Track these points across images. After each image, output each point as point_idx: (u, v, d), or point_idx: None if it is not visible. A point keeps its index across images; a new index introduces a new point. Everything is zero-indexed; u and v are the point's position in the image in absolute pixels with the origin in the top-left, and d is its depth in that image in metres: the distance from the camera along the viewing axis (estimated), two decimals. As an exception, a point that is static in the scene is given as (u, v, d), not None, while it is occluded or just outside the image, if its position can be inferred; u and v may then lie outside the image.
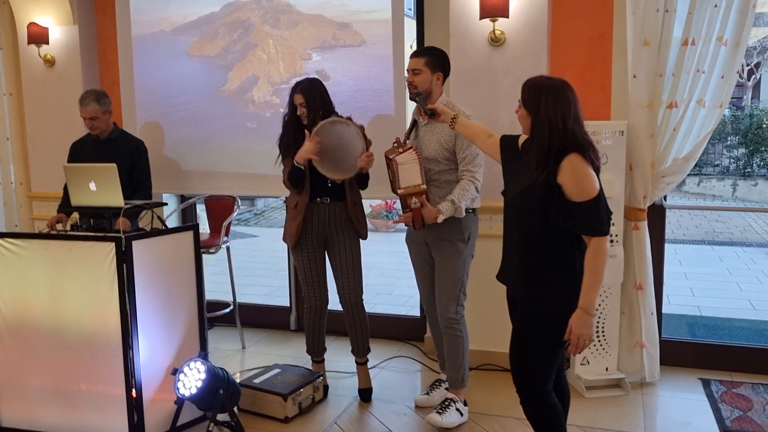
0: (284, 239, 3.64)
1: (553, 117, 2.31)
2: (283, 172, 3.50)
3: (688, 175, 3.79)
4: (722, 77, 3.49)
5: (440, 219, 3.12)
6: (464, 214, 3.20)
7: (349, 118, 3.39)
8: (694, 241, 9.64)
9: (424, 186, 3.12)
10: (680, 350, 3.99)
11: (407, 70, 3.32)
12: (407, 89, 3.33)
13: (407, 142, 3.30)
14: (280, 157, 3.55)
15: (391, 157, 3.18)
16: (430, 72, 3.25)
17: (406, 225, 3.24)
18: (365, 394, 3.69)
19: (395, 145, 3.24)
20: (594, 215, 2.31)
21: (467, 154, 3.20)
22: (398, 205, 10.68)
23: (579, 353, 2.39)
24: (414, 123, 3.42)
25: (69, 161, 4.07)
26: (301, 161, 3.33)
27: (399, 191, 3.06)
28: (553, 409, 2.51)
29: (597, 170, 2.36)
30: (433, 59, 3.26)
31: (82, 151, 4.08)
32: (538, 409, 2.52)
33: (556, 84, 2.36)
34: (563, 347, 2.45)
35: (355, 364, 3.74)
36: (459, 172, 3.23)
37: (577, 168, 2.30)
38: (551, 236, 2.38)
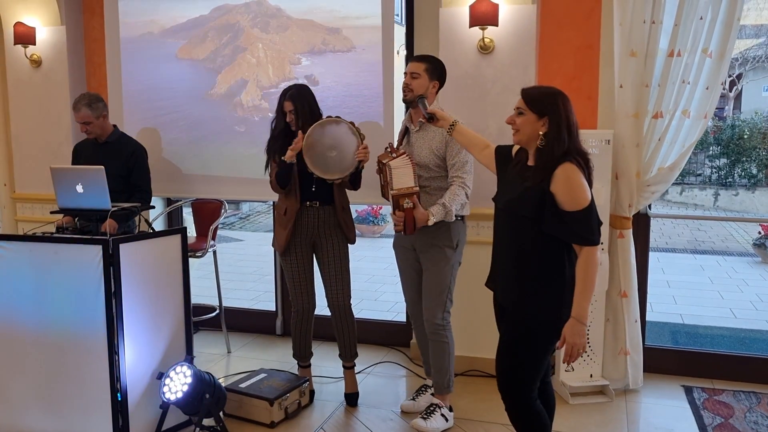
0: (273, 245, 3.64)
1: (573, 121, 2.36)
2: (270, 174, 3.51)
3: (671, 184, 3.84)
4: (707, 88, 3.55)
5: (431, 222, 3.12)
6: (454, 218, 3.21)
7: (339, 117, 3.39)
8: (677, 250, 9.74)
9: (417, 188, 3.13)
10: (663, 357, 4.04)
11: (405, 72, 3.33)
12: (402, 92, 3.33)
13: (399, 148, 3.31)
14: (269, 164, 3.54)
15: (384, 161, 3.19)
16: (428, 78, 3.27)
17: (395, 229, 3.20)
18: (351, 399, 3.69)
19: (388, 150, 3.25)
20: (585, 224, 2.33)
21: (457, 160, 3.22)
22: (385, 210, 10.73)
23: (573, 362, 2.40)
24: (406, 130, 3.44)
25: (72, 164, 4.03)
26: (288, 159, 3.35)
27: (392, 192, 3.07)
28: (539, 416, 2.53)
29: (589, 180, 2.38)
30: (433, 67, 3.30)
31: (82, 154, 4.05)
32: (523, 415, 2.54)
33: (562, 92, 2.41)
34: (549, 354, 2.47)
35: (341, 369, 3.74)
36: (449, 178, 3.25)
37: (570, 177, 2.32)
38: (542, 244, 2.39)
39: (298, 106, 3.40)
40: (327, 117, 3.41)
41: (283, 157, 3.36)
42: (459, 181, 3.21)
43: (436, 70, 3.31)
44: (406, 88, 3.30)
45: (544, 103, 2.39)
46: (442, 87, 3.36)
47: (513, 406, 2.55)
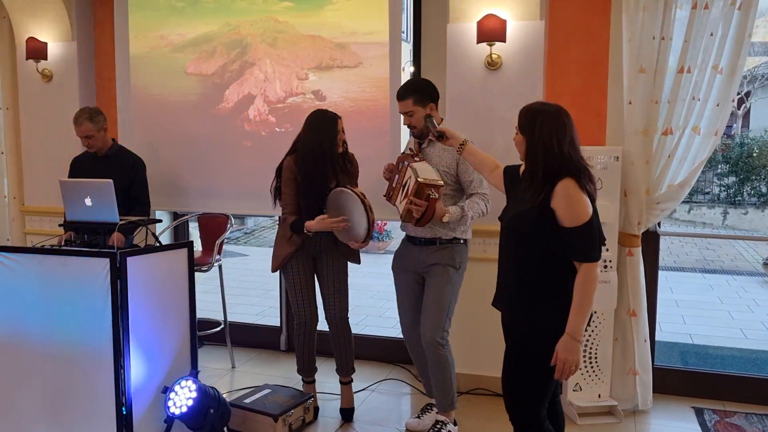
0: (273, 262, 3.62)
1: (548, 140, 2.32)
2: (285, 205, 3.48)
3: (678, 202, 3.80)
4: (717, 105, 3.52)
5: (446, 219, 3.08)
6: (469, 222, 3.20)
7: (357, 193, 3.35)
8: (685, 269, 9.67)
9: (443, 184, 3.06)
10: (673, 378, 3.98)
11: (400, 113, 3.33)
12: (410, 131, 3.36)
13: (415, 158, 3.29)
14: (280, 194, 3.53)
15: (406, 162, 3.16)
16: (421, 108, 3.25)
17: (407, 218, 3.08)
18: (347, 414, 3.67)
19: (409, 153, 3.25)
20: (585, 241, 2.31)
21: (474, 177, 3.21)
22: (390, 226, 10.68)
23: (565, 379, 2.37)
24: (419, 143, 3.41)
25: (69, 177, 4.05)
26: (312, 231, 3.38)
27: (419, 179, 2.97)
28: (548, 436, 2.49)
29: (591, 196, 2.36)
30: (419, 95, 3.24)
31: (80, 167, 4.08)
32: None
33: (552, 109, 2.39)
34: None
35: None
36: (468, 194, 3.25)
37: (570, 193, 2.31)
38: (545, 261, 2.38)
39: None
40: (343, 187, 3.37)
41: (306, 227, 3.36)
42: (479, 195, 3.21)
43: (424, 95, 3.26)
44: (409, 126, 3.31)
45: (523, 123, 2.41)
46: (438, 100, 3.33)
47: (521, 427, 2.50)
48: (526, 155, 2.42)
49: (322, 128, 3.39)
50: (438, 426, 3.35)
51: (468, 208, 3.16)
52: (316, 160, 3.37)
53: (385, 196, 3.37)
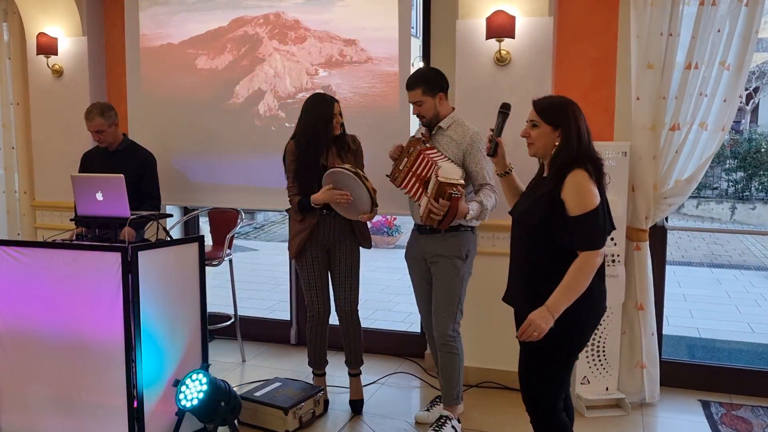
0: (289, 249, 3.66)
1: (584, 128, 2.38)
2: (290, 189, 3.52)
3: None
4: (724, 101, 3.53)
5: (468, 217, 3.04)
6: (486, 218, 3.19)
7: (348, 168, 3.35)
8: (693, 263, 9.66)
9: (463, 183, 3.00)
10: (680, 371, 4.00)
11: (409, 102, 3.33)
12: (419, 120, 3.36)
13: (426, 144, 3.28)
14: (289, 175, 3.56)
15: (418, 147, 3.13)
16: (431, 98, 3.24)
17: (427, 221, 3.03)
18: (356, 406, 3.71)
19: (421, 137, 3.25)
20: (588, 229, 2.32)
21: (480, 168, 3.19)
22: (399, 221, 10.70)
23: (523, 339, 2.37)
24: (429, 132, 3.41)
25: (80, 172, 4.09)
26: (319, 203, 3.39)
27: (439, 179, 2.91)
28: (564, 428, 2.51)
29: (600, 188, 2.38)
30: (429, 85, 3.23)
31: (91, 162, 4.12)
32: (548, 428, 2.52)
33: (571, 100, 2.43)
34: (571, 365, 2.46)
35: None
36: (476, 186, 3.21)
37: (579, 183, 2.33)
38: (554, 253, 2.39)
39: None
40: (341, 167, 3.36)
41: (313, 202, 3.38)
42: (489, 186, 3.20)
43: (434, 85, 3.24)
44: (418, 115, 3.30)
45: (558, 114, 2.41)
46: (447, 89, 3.32)
47: (537, 419, 2.53)
48: (560, 143, 2.39)
49: (316, 111, 3.43)
50: (441, 420, 3.37)
51: (486, 202, 3.13)
52: (310, 141, 3.41)
53: (388, 176, 3.35)
